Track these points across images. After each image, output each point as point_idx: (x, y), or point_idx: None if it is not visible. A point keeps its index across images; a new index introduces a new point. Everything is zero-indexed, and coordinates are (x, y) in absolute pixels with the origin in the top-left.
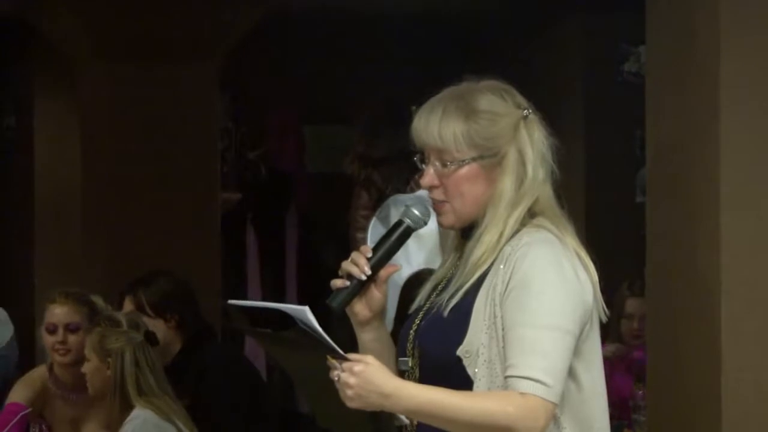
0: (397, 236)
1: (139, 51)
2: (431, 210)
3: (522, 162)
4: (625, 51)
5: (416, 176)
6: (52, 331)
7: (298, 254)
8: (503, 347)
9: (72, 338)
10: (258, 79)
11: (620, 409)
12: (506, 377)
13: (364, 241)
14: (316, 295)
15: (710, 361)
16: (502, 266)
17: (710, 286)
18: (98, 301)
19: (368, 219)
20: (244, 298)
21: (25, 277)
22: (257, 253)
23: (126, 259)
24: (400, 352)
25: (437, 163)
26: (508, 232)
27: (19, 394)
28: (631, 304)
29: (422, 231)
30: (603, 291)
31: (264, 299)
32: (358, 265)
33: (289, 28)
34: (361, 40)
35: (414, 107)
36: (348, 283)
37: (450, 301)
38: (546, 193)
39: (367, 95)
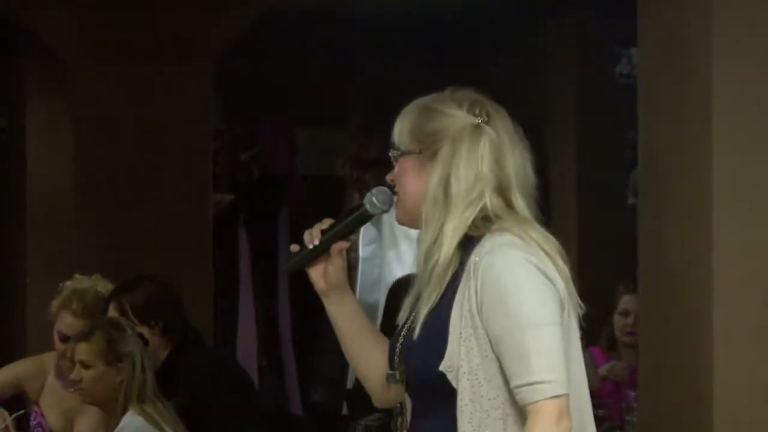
0: (353, 217)
1: (132, 53)
2: (391, 203)
3: (451, 162)
4: (618, 53)
5: None
6: (63, 340)
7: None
8: (493, 359)
9: None
10: (250, 81)
11: (612, 410)
12: (513, 388)
13: (355, 243)
14: (308, 294)
15: (702, 363)
16: (472, 279)
17: (702, 288)
18: (105, 286)
19: None
20: (235, 299)
21: (18, 279)
22: (249, 253)
23: (119, 260)
24: (389, 364)
25: (395, 158)
26: (449, 238)
27: (17, 369)
28: (626, 301)
29: (414, 233)
30: (597, 291)
31: (255, 299)
32: (312, 234)
33: (281, 30)
34: (354, 43)
35: None
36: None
37: (426, 317)
38: (495, 201)
39: (360, 97)
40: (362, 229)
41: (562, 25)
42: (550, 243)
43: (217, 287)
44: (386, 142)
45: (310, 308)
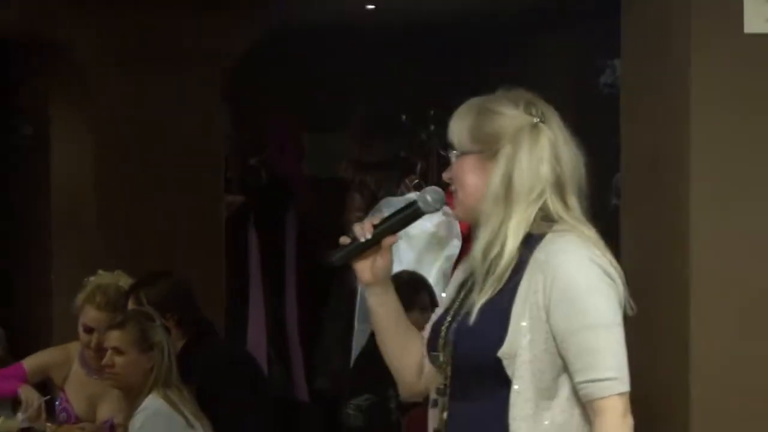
0: (406, 214)
1: (150, 61)
2: (443, 201)
3: (513, 161)
4: (602, 64)
5: (406, 180)
6: (88, 331)
7: (297, 253)
8: (553, 353)
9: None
10: (259, 89)
11: None
12: (577, 383)
13: None
14: (314, 290)
15: (680, 361)
16: (539, 274)
17: (680, 287)
18: (127, 282)
19: (361, 220)
20: (245, 294)
21: (43, 279)
22: (259, 251)
23: (138, 258)
24: (431, 346)
25: (454, 157)
26: (513, 235)
27: (45, 356)
28: None
29: (413, 232)
30: None
31: (264, 295)
32: (363, 227)
33: (288, 41)
34: (357, 52)
35: (404, 116)
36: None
37: (483, 305)
38: (555, 200)
39: (362, 104)
40: None
41: (550, 37)
42: (603, 244)
43: (229, 284)
44: (386, 146)
45: (315, 304)
